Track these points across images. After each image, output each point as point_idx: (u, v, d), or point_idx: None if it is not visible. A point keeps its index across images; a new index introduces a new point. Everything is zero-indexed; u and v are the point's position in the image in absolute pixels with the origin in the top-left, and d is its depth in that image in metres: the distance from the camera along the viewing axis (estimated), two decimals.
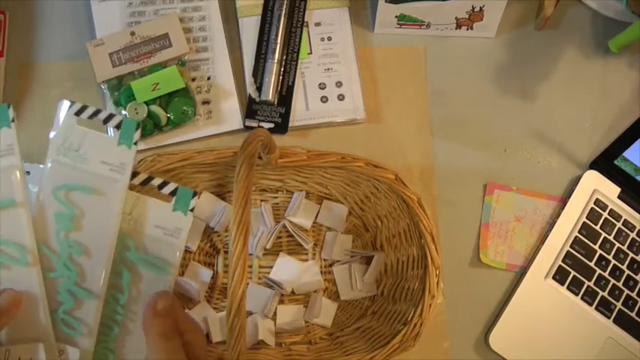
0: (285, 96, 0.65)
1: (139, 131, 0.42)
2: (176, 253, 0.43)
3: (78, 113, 0.43)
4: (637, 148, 0.64)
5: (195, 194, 0.43)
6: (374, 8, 0.67)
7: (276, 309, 0.60)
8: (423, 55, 0.68)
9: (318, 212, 0.62)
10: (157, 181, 0.43)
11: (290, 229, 0.61)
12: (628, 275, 0.63)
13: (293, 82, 0.65)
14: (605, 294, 0.62)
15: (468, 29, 0.68)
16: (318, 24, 0.67)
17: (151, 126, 0.61)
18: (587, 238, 0.63)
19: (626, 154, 0.64)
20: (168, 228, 0.42)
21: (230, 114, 0.64)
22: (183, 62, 0.64)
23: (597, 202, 0.64)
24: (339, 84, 0.66)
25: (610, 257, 0.63)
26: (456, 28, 0.68)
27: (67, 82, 0.64)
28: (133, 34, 0.63)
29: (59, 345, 0.41)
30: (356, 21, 0.68)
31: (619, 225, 0.64)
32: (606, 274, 0.63)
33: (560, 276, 0.62)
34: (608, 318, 0.62)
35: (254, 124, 0.64)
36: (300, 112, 0.65)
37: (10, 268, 0.41)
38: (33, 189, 0.42)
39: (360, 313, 0.60)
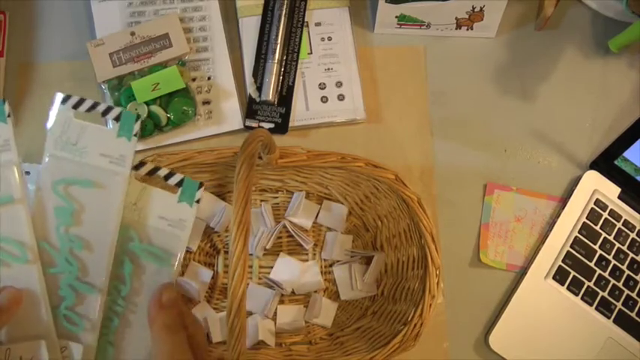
0: (285, 96, 0.65)
1: (139, 122, 0.42)
2: (179, 245, 0.42)
3: (75, 106, 0.42)
4: (637, 148, 0.64)
5: (201, 186, 0.43)
6: (374, 8, 0.67)
7: (276, 309, 0.60)
8: (423, 55, 0.68)
9: (318, 212, 0.62)
10: (163, 172, 0.43)
11: (290, 229, 0.61)
12: (628, 275, 0.63)
13: (293, 82, 0.65)
14: (605, 294, 0.62)
15: (468, 29, 0.68)
16: (318, 24, 0.67)
17: (151, 126, 0.61)
18: (587, 239, 0.63)
19: (626, 154, 0.64)
20: (172, 219, 0.42)
21: (230, 114, 0.64)
22: (184, 62, 0.64)
23: (597, 202, 0.64)
24: (339, 84, 0.66)
25: (610, 257, 0.63)
26: (456, 28, 0.68)
27: (67, 82, 0.64)
28: (133, 34, 0.63)
29: (61, 341, 0.41)
30: (356, 21, 0.68)
31: (619, 225, 0.64)
32: (606, 275, 0.63)
33: (560, 276, 0.62)
34: (608, 318, 0.62)
35: (254, 124, 0.64)
36: (300, 112, 0.65)
37: (10, 265, 0.40)
38: (32, 188, 0.42)
39: (360, 313, 0.60)
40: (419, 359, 0.59)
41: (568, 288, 0.62)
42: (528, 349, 0.61)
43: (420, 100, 0.67)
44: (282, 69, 0.65)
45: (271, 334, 0.59)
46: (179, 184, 0.43)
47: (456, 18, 0.67)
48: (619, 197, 0.65)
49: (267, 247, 0.61)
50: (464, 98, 0.68)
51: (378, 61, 0.68)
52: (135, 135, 0.42)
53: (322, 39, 0.67)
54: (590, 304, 0.62)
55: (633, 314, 0.62)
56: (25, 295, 0.40)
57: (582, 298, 0.62)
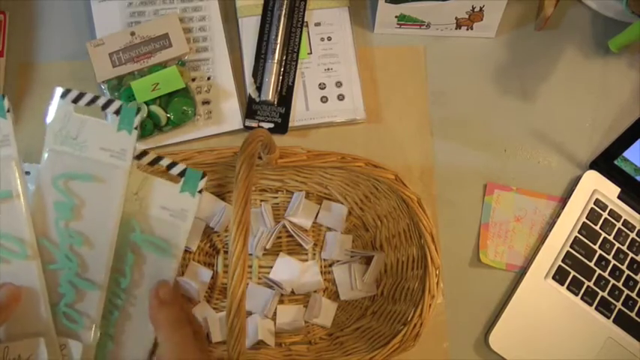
0: (285, 96, 0.65)
1: (139, 116, 0.42)
2: (181, 236, 0.42)
3: (75, 100, 0.42)
4: (637, 148, 0.64)
5: (204, 175, 0.42)
6: (374, 8, 0.67)
7: (276, 309, 0.60)
8: (423, 55, 0.68)
9: (318, 212, 0.62)
10: (165, 162, 0.42)
11: (290, 229, 0.61)
12: (628, 275, 0.63)
13: (293, 82, 0.65)
14: (605, 294, 0.62)
15: (468, 29, 0.68)
16: (318, 24, 0.67)
17: (150, 126, 0.61)
18: (587, 238, 0.63)
19: (626, 154, 0.64)
20: (174, 209, 0.42)
21: (230, 114, 0.64)
22: (183, 62, 0.64)
23: (597, 202, 0.64)
24: (339, 84, 0.66)
25: (610, 257, 0.63)
26: (456, 28, 0.68)
27: (67, 82, 0.64)
28: (133, 34, 0.63)
29: (61, 339, 0.40)
30: (356, 21, 0.68)
31: (619, 225, 0.64)
32: (606, 274, 0.63)
33: (560, 276, 0.62)
34: (608, 318, 0.62)
35: (254, 124, 0.64)
36: (300, 112, 0.65)
37: (9, 262, 0.40)
38: (32, 187, 0.41)
39: (360, 313, 0.60)
40: (419, 359, 0.59)
41: (568, 288, 0.62)
42: (528, 349, 0.61)
43: (420, 100, 0.67)
44: (282, 69, 0.65)
45: (271, 334, 0.59)
46: (182, 174, 0.42)
47: (456, 18, 0.67)
48: (619, 197, 0.65)
49: (267, 247, 0.61)
50: (464, 98, 0.68)
51: (378, 61, 0.68)
52: (135, 128, 0.41)
53: (322, 39, 0.67)
54: (590, 304, 0.62)
55: (633, 314, 0.62)
56: (25, 292, 0.40)
57: (582, 298, 0.62)
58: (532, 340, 0.61)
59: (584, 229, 0.63)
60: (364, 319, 0.60)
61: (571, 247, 0.63)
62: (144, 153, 0.42)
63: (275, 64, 0.65)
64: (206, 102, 0.64)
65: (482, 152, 0.66)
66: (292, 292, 0.60)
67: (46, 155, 0.41)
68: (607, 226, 0.64)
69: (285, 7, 0.66)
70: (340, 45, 0.67)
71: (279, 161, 0.54)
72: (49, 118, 0.41)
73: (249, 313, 0.59)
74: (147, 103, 0.61)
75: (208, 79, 0.65)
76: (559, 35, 0.70)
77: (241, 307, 0.38)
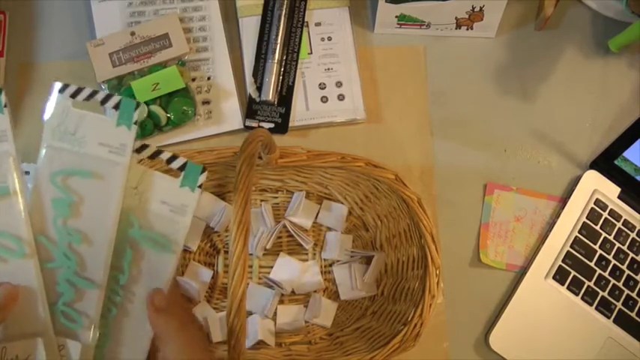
0: (285, 96, 0.65)
1: (139, 110, 0.40)
2: (180, 232, 0.40)
3: (74, 95, 0.41)
4: (637, 148, 0.64)
5: (204, 170, 0.41)
6: (374, 8, 0.67)
7: (276, 309, 0.60)
8: (423, 55, 0.68)
9: (318, 212, 0.62)
10: (165, 155, 0.41)
11: (290, 229, 0.61)
12: (628, 275, 0.63)
13: (293, 82, 0.65)
14: (605, 294, 0.62)
15: (468, 29, 0.68)
16: (318, 24, 0.67)
17: (150, 126, 0.61)
18: (587, 238, 0.63)
19: (626, 154, 0.64)
20: (174, 204, 0.40)
21: (230, 114, 0.64)
22: (184, 62, 0.64)
23: (597, 202, 0.64)
24: (339, 84, 0.66)
25: (610, 257, 0.63)
26: (456, 28, 0.68)
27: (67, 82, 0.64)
28: (133, 34, 0.63)
29: (59, 339, 0.40)
30: (356, 21, 0.68)
31: (619, 225, 0.64)
32: (606, 274, 0.63)
33: (560, 276, 0.62)
34: (608, 318, 0.62)
35: (254, 124, 0.64)
36: (300, 112, 0.65)
37: (7, 260, 0.39)
38: (31, 187, 0.41)
39: (360, 313, 0.60)
40: (419, 359, 0.59)
41: (568, 288, 0.62)
42: (528, 349, 0.61)
43: (420, 100, 0.67)
44: (282, 69, 0.65)
45: (271, 334, 0.59)
46: (182, 167, 0.41)
47: (456, 18, 0.67)
48: (619, 197, 0.65)
49: (267, 247, 0.61)
50: (464, 98, 0.68)
51: (378, 61, 0.68)
52: (135, 123, 0.40)
53: (322, 39, 0.67)
54: (590, 304, 0.62)
55: (633, 314, 0.62)
56: (22, 292, 0.39)
57: (582, 298, 0.62)
58: (532, 340, 0.61)
59: (585, 229, 0.63)
60: (364, 319, 0.60)
61: (571, 247, 0.63)
62: (144, 146, 0.41)
63: (275, 64, 0.65)
64: (206, 102, 0.64)
65: (483, 152, 0.66)
66: (292, 292, 0.60)
67: (43, 151, 0.40)
68: (607, 226, 0.64)
69: (285, 7, 0.66)
70: (340, 45, 0.67)
71: (279, 161, 0.54)
72: (47, 114, 0.40)
73: (250, 313, 0.59)
74: (147, 103, 0.61)
75: (208, 79, 0.65)
76: (559, 35, 0.70)
77: (241, 307, 0.38)
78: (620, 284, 0.63)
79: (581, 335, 0.62)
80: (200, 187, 0.41)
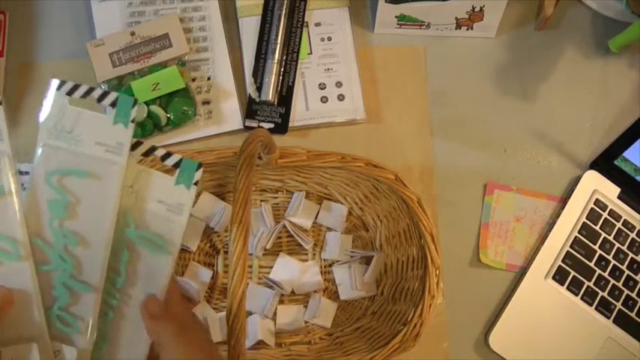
0: (285, 96, 0.65)
1: (136, 108, 0.39)
2: (177, 231, 0.39)
3: (70, 92, 0.40)
4: (637, 148, 0.64)
5: (200, 166, 0.39)
6: (374, 8, 0.67)
7: (276, 309, 0.60)
8: (423, 55, 0.68)
9: (318, 212, 0.62)
10: (160, 152, 0.40)
11: (290, 229, 0.61)
12: (628, 275, 0.63)
13: (293, 82, 0.65)
14: (605, 294, 0.62)
15: (468, 29, 0.68)
16: (318, 24, 0.67)
17: (150, 126, 0.61)
18: (587, 239, 0.63)
19: (626, 154, 0.64)
20: (171, 203, 0.39)
21: (230, 114, 0.64)
22: (184, 62, 0.64)
23: (597, 202, 0.64)
24: (339, 84, 0.66)
25: (610, 257, 0.63)
26: (456, 28, 0.68)
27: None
28: (133, 34, 0.63)
29: (54, 344, 0.39)
30: (356, 21, 0.68)
31: (619, 225, 0.64)
32: (606, 275, 0.63)
33: (560, 276, 0.62)
34: (608, 318, 0.62)
35: (254, 124, 0.64)
36: (300, 112, 0.65)
37: (1, 263, 0.38)
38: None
39: (360, 313, 0.60)
40: (419, 359, 0.59)
41: (568, 288, 0.62)
42: (528, 349, 0.61)
43: (420, 100, 0.67)
44: (282, 69, 0.65)
45: (271, 334, 0.59)
46: (177, 164, 0.39)
47: (456, 18, 0.67)
48: (619, 197, 0.65)
49: (267, 247, 0.61)
50: (464, 98, 0.68)
51: (378, 61, 0.68)
52: (132, 121, 0.39)
53: (322, 39, 0.67)
54: (590, 304, 0.62)
55: (633, 314, 0.62)
56: (17, 295, 0.38)
57: (582, 298, 0.62)
58: (532, 340, 0.61)
59: (584, 229, 0.63)
60: (364, 319, 0.60)
61: (571, 247, 0.63)
62: (137, 143, 0.40)
63: (275, 64, 0.65)
64: (206, 102, 0.64)
65: (483, 152, 0.66)
66: (292, 292, 0.60)
67: (39, 150, 0.39)
68: (607, 226, 0.64)
69: (285, 7, 0.66)
70: (340, 45, 0.67)
71: (279, 161, 0.54)
72: (44, 112, 0.39)
73: (249, 313, 0.59)
74: (147, 103, 0.61)
75: (208, 79, 0.65)
76: (559, 35, 0.70)
77: (241, 307, 0.38)
78: (619, 284, 0.63)
79: (581, 335, 0.62)
80: (196, 184, 0.39)
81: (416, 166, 0.65)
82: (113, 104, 0.39)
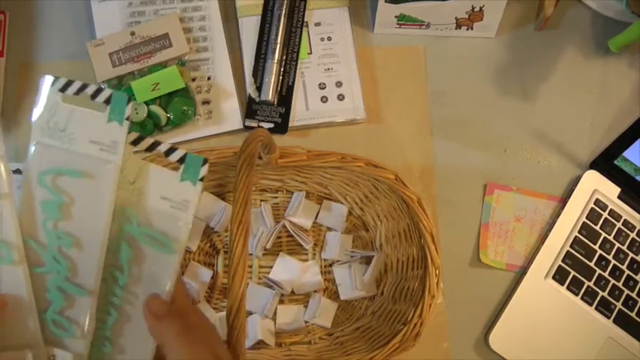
0: (285, 96, 0.65)
1: (131, 105, 0.38)
2: (183, 229, 0.38)
3: (63, 89, 0.38)
4: (637, 148, 0.64)
5: (205, 162, 0.38)
6: (374, 8, 0.67)
7: (276, 309, 0.60)
8: (422, 55, 0.68)
9: (318, 212, 0.62)
10: (164, 147, 0.38)
11: (290, 229, 0.61)
12: (628, 275, 0.63)
13: (293, 82, 0.65)
14: (605, 294, 0.62)
15: (468, 29, 0.68)
16: (318, 24, 0.67)
17: (150, 126, 0.61)
18: (587, 238, 0.63)
19: (626, 154, 0.64)
20: (175, 200, 0.38)
21: (230, 114, 0.64)
22: (184, 62, 0.64)
23: (597, 202, 0.64)
24: (339, 84, 0.66)
25: (610, 257, 0.63)
26: (456, 28, 0.68)
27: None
28: (133, 34, 0.63)
29: (49, 349, 0.37)
30: (356, 21, 0.68)
31: (619, 225, 0.64)
32: (606, 274, 0.63)
33: (560, 276, 0.62)
34: (608, 318, 0.62)
35: (254, 124, 0.64)
36: (300, 112, 0.65)
37: None
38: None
39: (360, 313, 0.60)
40: (419, 359, 0.59)
41: (568, 288, 0.62)
42: (528, 349, 0.61)
43: (420, 100, 0.67)
44: (282, 69, 0.65)
45: (271, 334, 0.59)
46: (181, 160, 0.38)
47: (456, 18, 0.67)
48: (619, 197, 0.65)
49: (267, 247, 0.61)
50: (464, 98, 0.68)
51: (378, 61, 0.68)
52: (127, 119, 0.38)
53: (322, 39, 0.67)
54: (590, 304, 0.62)
55: (633, 314, 0.62)
56: (10, 300, 0.36)
57: (582, 298, 0.62)
58: (532, 340, 0.61)
59: (584, 229, 0.63)
60: (364, 319, 0.60)
61: (571, 247, 0.63)
62: (140, 138, 0.39)
63: (275, 64, 0.65)
64: (206, 102, 0.64)
65: (483, 152, 0.66)
66: (292, 292, 0.60)
67: (32, 149, 0.38)
68: (607, 226, 0.64)
69: (285, 7, 0.66)
70: (340, 45, 0.67)
71: (279, 161, 0.54)
72: (37, 109, 0.38)
73: (249, 313, 0.59)
74: (147, 103, 0.61)
75: (208, 79, 0.65)
76: (559, 35, 0.70)
77: (241, 307, 0.38)
78: (619, 284, 0.63)
79: (581, 335, 0.62)
80: (202, 180, 0.38)
81: (416, 166, 0.65)
82: (107, 101, 0.38)
